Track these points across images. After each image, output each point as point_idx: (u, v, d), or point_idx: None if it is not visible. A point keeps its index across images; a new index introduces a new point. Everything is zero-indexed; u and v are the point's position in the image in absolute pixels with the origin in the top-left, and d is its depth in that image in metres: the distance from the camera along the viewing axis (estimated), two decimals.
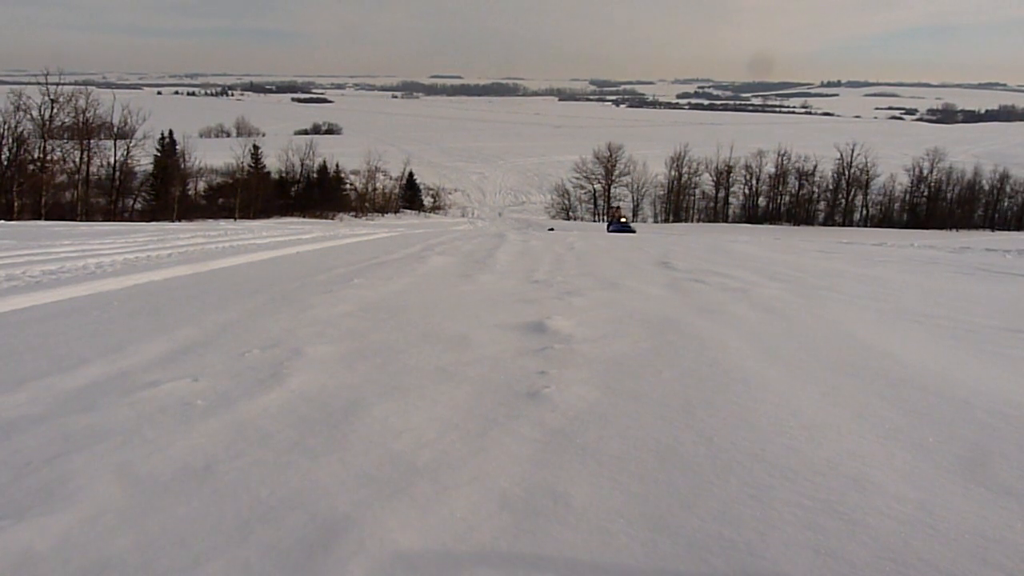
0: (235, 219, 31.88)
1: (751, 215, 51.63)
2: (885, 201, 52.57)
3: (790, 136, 66.82)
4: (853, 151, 51.42)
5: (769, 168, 52.35)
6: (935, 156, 52.04)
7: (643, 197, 53.96)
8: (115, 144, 30.92)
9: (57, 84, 28.42)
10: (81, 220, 23.71)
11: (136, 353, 2.86)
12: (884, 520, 1.58)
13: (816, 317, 4.16)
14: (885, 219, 50.88)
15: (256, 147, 42.82)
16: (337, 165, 49.85)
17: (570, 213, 52.35)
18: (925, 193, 52.10)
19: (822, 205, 52.87)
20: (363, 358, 2.90)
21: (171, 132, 42.99)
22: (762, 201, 53.24)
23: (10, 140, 26.53)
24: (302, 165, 47.19)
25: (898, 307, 4.66)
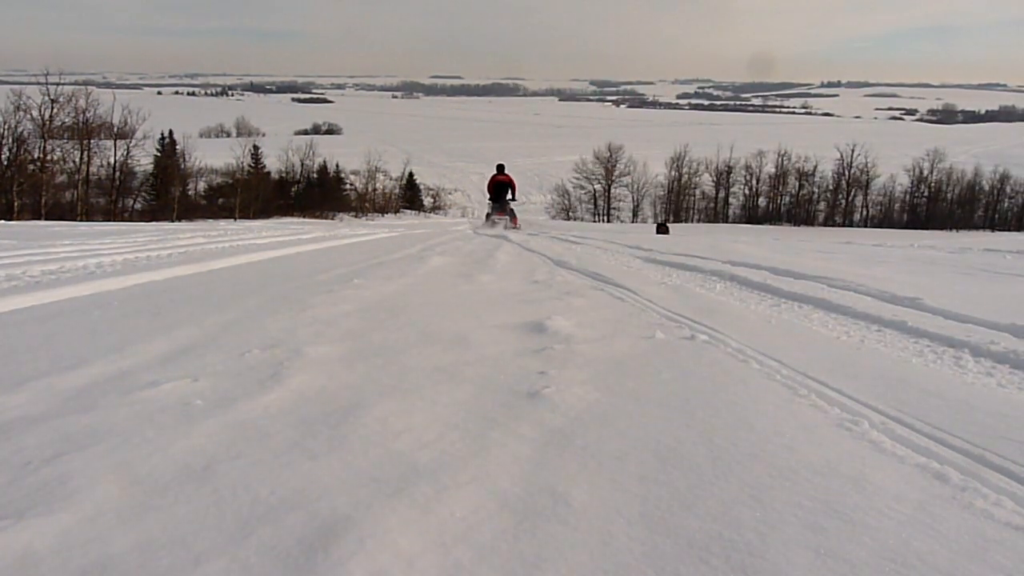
0: (235, 219, 31.85)
1: (751, 215, 51.57)
2: (885, 201, 52.52)
3: (790, 136, 66.77)
4: (853, 151, 51.34)
5: (769, 168, 52.33)
6: (935, 156, 51.95)
7: (643, 197, 53.93)
8: (115, 144, 30.87)
9: (57, 84, 28.38)
10: (81, 220, 23.70)
11: (136, 353, 2.86)
12: (884, 520, 1.58)
13: (813, 319, 4.16)
14: (885, 219, 50.79)
15: (256, 147, 42.78)
16: (337, 165, 49.80)
17: (570, 213, 52.31)
18: (925, 193, 52.05)
19: (822, 205, 52.84)
20: (363, 358, 2.90)
21: (171, 132, 43.00)
22: (762, 201, 53.21)
23: (10, 140, 26.50)
24: (302, 165, 47.09)
25: None
